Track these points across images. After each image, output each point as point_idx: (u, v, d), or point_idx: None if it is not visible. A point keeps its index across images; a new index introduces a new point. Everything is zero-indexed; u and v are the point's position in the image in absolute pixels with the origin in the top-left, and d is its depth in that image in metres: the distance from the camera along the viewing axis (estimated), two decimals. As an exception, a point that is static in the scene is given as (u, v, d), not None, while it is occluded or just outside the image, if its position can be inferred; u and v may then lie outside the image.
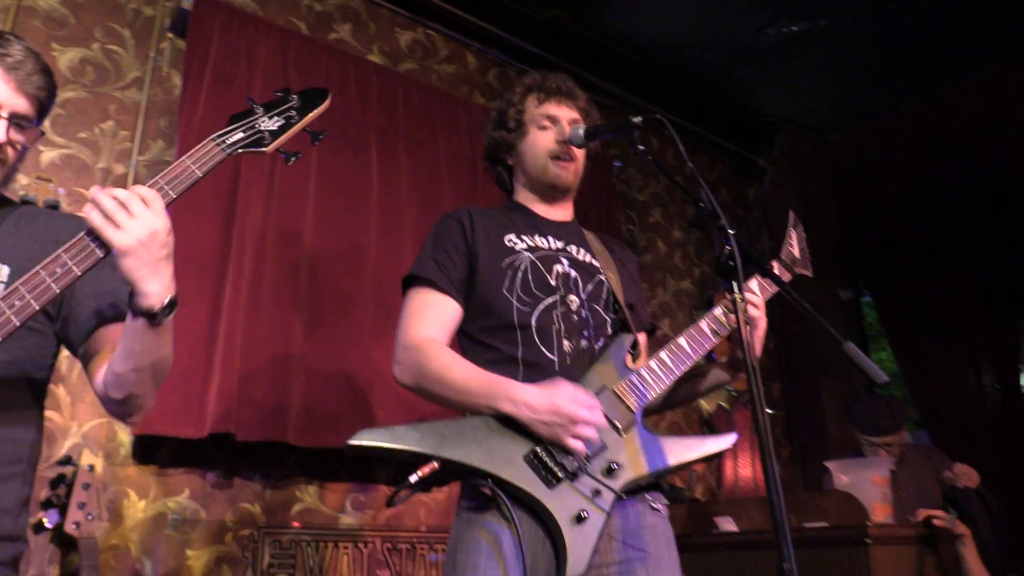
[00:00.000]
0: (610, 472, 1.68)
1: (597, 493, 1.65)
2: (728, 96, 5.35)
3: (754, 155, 5.71)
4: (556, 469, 1.64)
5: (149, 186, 1.32)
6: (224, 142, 1.45)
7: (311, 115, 1.56)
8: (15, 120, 1.48)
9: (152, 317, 1.35)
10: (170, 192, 1.33)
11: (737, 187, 5.71)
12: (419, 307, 1.87)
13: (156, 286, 1.33)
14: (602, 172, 4.46)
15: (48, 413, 2.55)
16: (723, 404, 4.65)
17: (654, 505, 1.82)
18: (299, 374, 2.91)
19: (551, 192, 2.08)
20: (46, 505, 2.41)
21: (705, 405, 4.69)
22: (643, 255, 4.77)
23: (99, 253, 1.28)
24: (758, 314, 1.95)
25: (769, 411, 4.91)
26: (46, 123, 2.75)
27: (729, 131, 5.53)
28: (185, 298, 2.73)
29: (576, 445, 1.64)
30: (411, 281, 1.91)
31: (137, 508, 2.65)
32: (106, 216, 1.26)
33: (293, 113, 1.54)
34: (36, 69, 1.50)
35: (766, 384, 5.17)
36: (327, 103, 1.59)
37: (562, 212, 2.12)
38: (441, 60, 4.16)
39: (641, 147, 1.95)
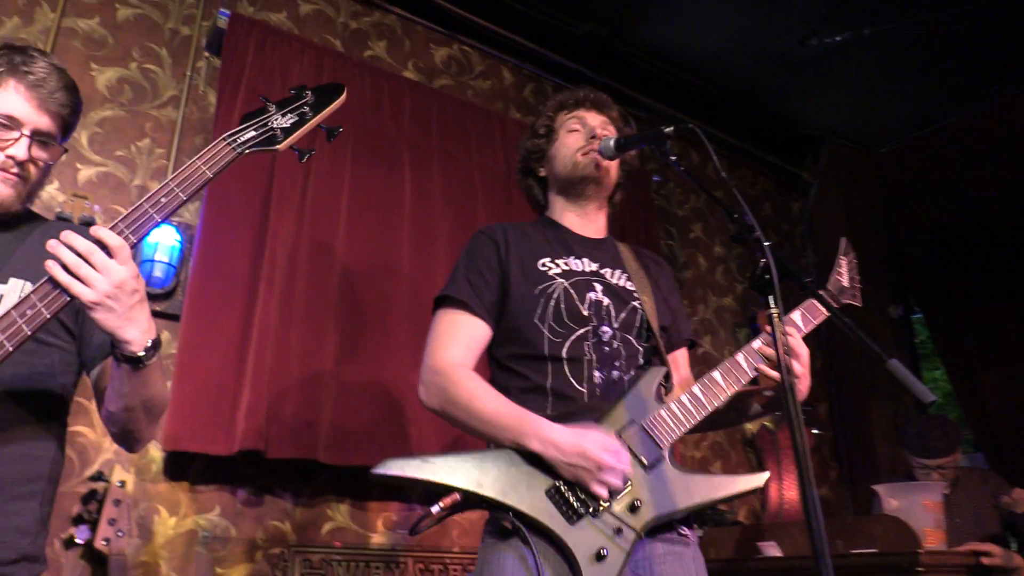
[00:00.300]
0: (633, 510, 1.65)
1: (619, 531, 1.62)
2: (771, 109, 5.24)
3: (799, 169, 5.58)
4: (578, 505, 1.61)
5: (111, 229, 1.28)
6: (235, 141, 1.43)
7: (325, 111, 1.53)
8: (38, 137, 1.48)
9: (136, 363, 1.34)
10: (131, 237, 1.29)
11: (781, 202, 5.58)
12: (448, 328, 1.85)
13: (134, 332, 1.31)
14: (640, 187, 4.39)
15: (81, 429, 2.56)
16: (767, 424, 4.51)
17: (682, 532, 1.77)
18: (330, 391, 2.88)
19: (583, 190, 2.03)
20: (77, 521, 2.41)
21: (749, 425, 4.56)
22: (683, 271, 4.67)
23: (66, 297, 1.25)
24: (797, 367, 1.81)
25: (816, 431, 4.77)
26: (83, 140, 2.79)
27: (772, 145, 5.42)
28: (216, 314, 2.76)
29: (600, 491, 1.61)
30: (443, 300, 1.88)
31: (168, 525, 2.64)
32: (68, 271, 1.23)
33: (307, 110, 1.51)
34: (59, 86, 1.50)
35: (813, 403, 5.01)
36: (342, 98, 1.55)
37: (595, 227, 2.08)
38: (476, 76, 4.15)
39: (673, 157, 1.89)
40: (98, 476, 2.47)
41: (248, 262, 2.89)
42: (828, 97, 5.10)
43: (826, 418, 5.09)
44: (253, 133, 1.45)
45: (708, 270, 4.85)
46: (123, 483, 2.44)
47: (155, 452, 2.68)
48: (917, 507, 3.19)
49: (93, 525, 2.37)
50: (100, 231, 1.26)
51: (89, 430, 2.58)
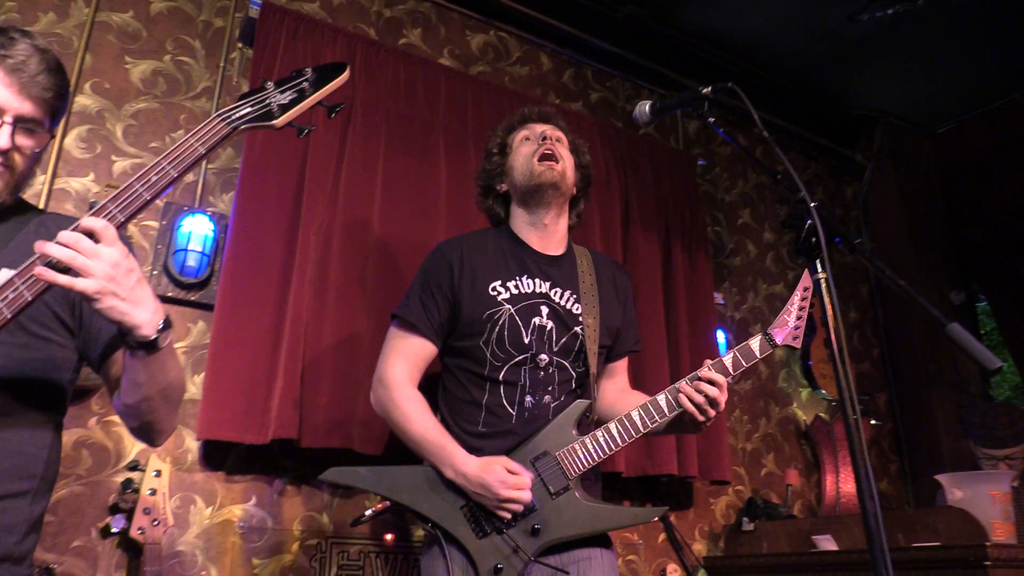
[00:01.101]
0: (533, 533, 1.89)
1: (515, 551, 1.87)
2: (821, 89, 5.06)
3: (852, 151, 5.37)
4: (484, 523, 1.90)
5: (97, 212, 1.25)
6: (230, 117, 1.39)
7: (325, 88, 1.48)
8: (21, 124, 1.42)
9: (150, 347, 1.30)
10: (119, 216, 1.25)
11: (834, 186, 5.39)
12: (398, 345, 2.10)
13: (143, 315, 1.28)
14: (685, 172, 4.27)
15: (116, 419, 2.55)
16: (822, 415, 4.34)
17: (582, 548, 1.98)
18: (364, 380, 2.82)
19: (543, 197, 2.14)
20: (113, 510, 2.40)
21: (802, 415, 4.39)
22: (731, 258, 4.53)
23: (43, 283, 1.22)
24: (700, 399, 1.96)
25: (874, 422, 4.58)
26: (117, 132, 2.79)
27: (823, 127, 5.23)
28: (249, 302, 2.73)
29: (502, 515, 1.88)
30: (396, 318, 2.13)
31: (203, 515, 2.62)
32: (63, 269, 1.20)
33: (306, 86, 1.46)
34: (41, 69, 1.43)
35: (872, 394, 4.81)
36: (344, 76, 1.51)
37: (555, 239, 2.20)
38: (514, 62, 4.07)
39: (711, 119, 1.81)
40: (134, 465, 2.46)
41: (281, 250, 2.86)
42: (881, 75, 4.90)
43: (885, 409, 4.89)
44: (249, 109, 1.42)
45: (758, 257, 4.70)
46: (159, 472, 2.42)
47: (190, 442, 2.67)
48: (983, 498, 3.03)
49: (129, 514, 2.35)
50: (84, 219, 1.23)
51: (125, 420, 2.57)
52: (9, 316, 1.19)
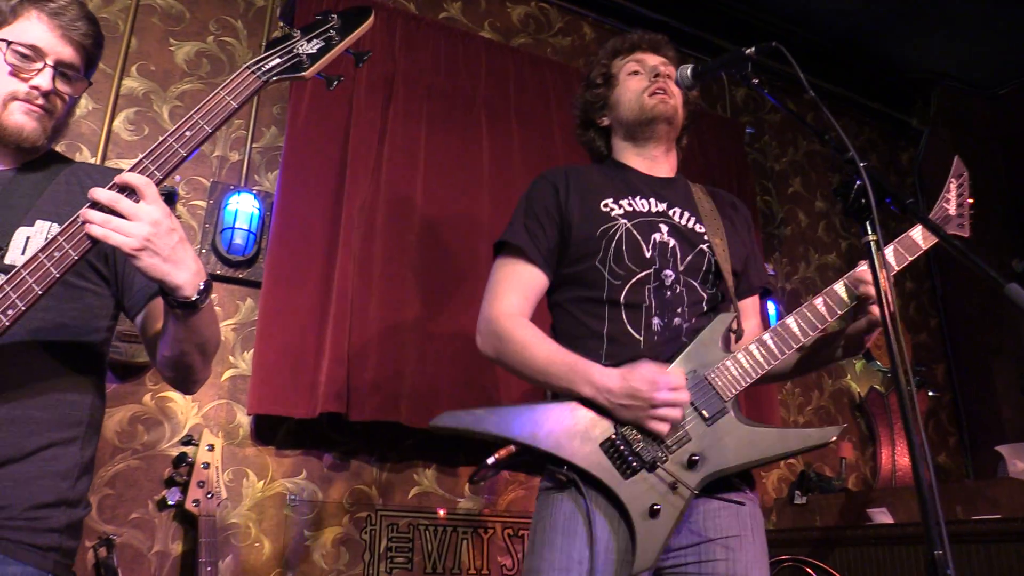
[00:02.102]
0: (691, 465, 1.59)
1: (673, 487, 1.57)
2: (873, 53, 4.89)
3: (907, 116, 5.20)
4: (632, 459, 1.57)
5: (133, 168, 1.24)
6: (260, 69, 1.37)
7: (352, 35, 1.45)
8: (61, 68, 1.45)
9: (191, 307, 1.30)
10: (156, 173, 1.24)
11: (889, 152, 5.23)
12: (506, 276, 1.82)
13: (184, 275, 1.26)
14: (733, 140, 4.18)
15: (170, 394, 2.61)
16: (877, 387, 4.24)
17: (741, 489, 1.70)
18: (411, 353, 2.85)
19: (654, 131, 1.92)
20: (168, 483, 2.47)
21: (856, 387, 4.30)
22: (782, 228, 4.43)
23: (89, 241, 1.22)
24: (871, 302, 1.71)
25: (932, 394, 4.46)
26: (164, 113, 2.83)
27: (876, 91, 5.06)
28: (296, 279, 2.76)
29: (658, 427, 1.56)
30: (500, 247, 1.86)
31: (256, 488, 2.67)
32: (103, 225, 1.19)
33: (333, 34, 1.43)
34: (80, 15, 1.47)
35: (930, 365, 4.69)
36: (370, 21, 1.47)
37: (666, 166, 1.97)
38: (555, 33, 4.02)
39: (756, 80, 1.75)
40: (187, 440, 2.52)
41: (326, 227, 2.88)
42: (937, 36, 4.71)
43: (943, 381, 4.76)
44: (278, 60, 1.38)
45: (809, 226, 4.59)
46: (212, 447, 2.48)
47: (241, 417, 2.71)
48: (1047, 469, 2.93)
49: (184, 487, 2.42)
50: (123, 175, 1.23)
51: (177, 394, 2.63)
52: (57, 275, 1.21)
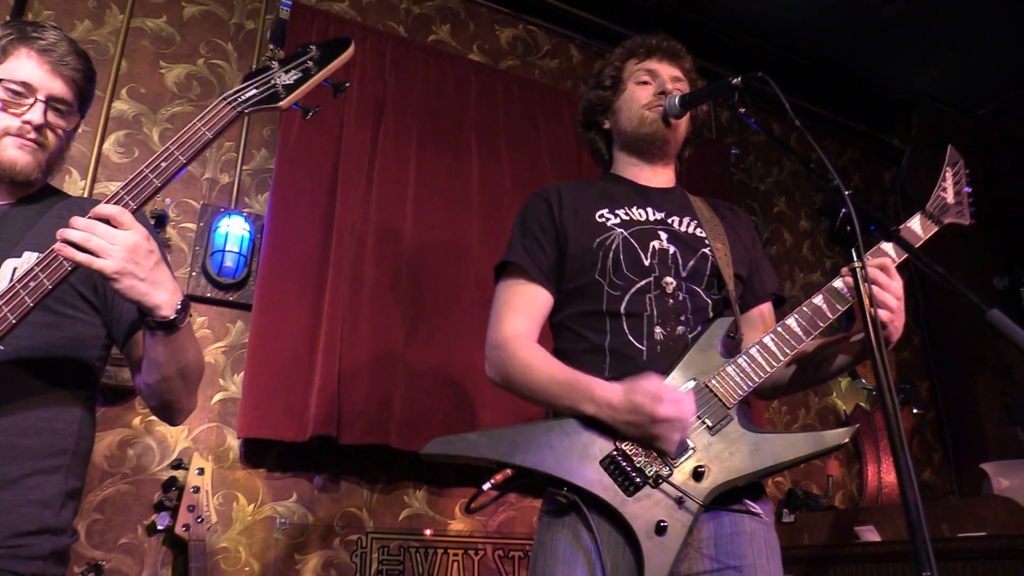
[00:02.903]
0: (696, 476, 1.51)
1: (680, 502, 1.49)
2: (856, 74, 4.97)
3: (889, 136, 5.28)
4: (634, 475, 1.50)
5: (109, 200, 1.29)
6: (236, 100, 1.40)
7: (330, 66, 1.47)
8: (52, 103, 1.49)
9: (170, 327, 1.33)
10: (131, 203, 1.29)
11: (871, 172, 5.30)
12: (508, 299, 1.78)
13: (162, 295, 1.31)
14: (718, 160, 4.23)
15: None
16: (862, 404, 4.28)
17: (754, 510, 1.61)
18: (401, 376, 2.86)
19: (648, 148, 1.90)
20: (158, 508, 2.45)
21: (842, 405, 4.34)
22: (768, 247, 4.47)
23: (67, 266, 1.26)
24: (891, 301, 1.62)
25: (916, 411, 4.50)
26: (154, 136, 2.84)
27: (859, 112, 5.14)
28: (286, 302, 2.76)
29: (663, 446, 1.50)
30: (501, 269, 1.83)
31: (246, 512, 2.66)
32: (82, 249, 1.23)
33: (310, 65, 1.46)
34: (70, 51, 1.51)
35: (913, 382, 4.73)
36: (348, 52, 1.49)
37: (663, 177, 1.94)
38: (543, 55, 4.06)
39: (742, 109, 1.77)
40: (177, 464, 2.50)
41: (316, 249, 2.89)
42: (917, 57, 4.80)
43: (927, 397, 4.81)
44: (255, 91, 1.42)
45: (794, 245, 4.64)
46: (201, 470, 2.47)
47: (232, 440, 2.71)
48: (1032, 487, 2.96)
49: (174, 512, 2.41)
50: (98, 207, 1.27)
51: (167, 419, 2.62)
52: (31, 305, 1.24)
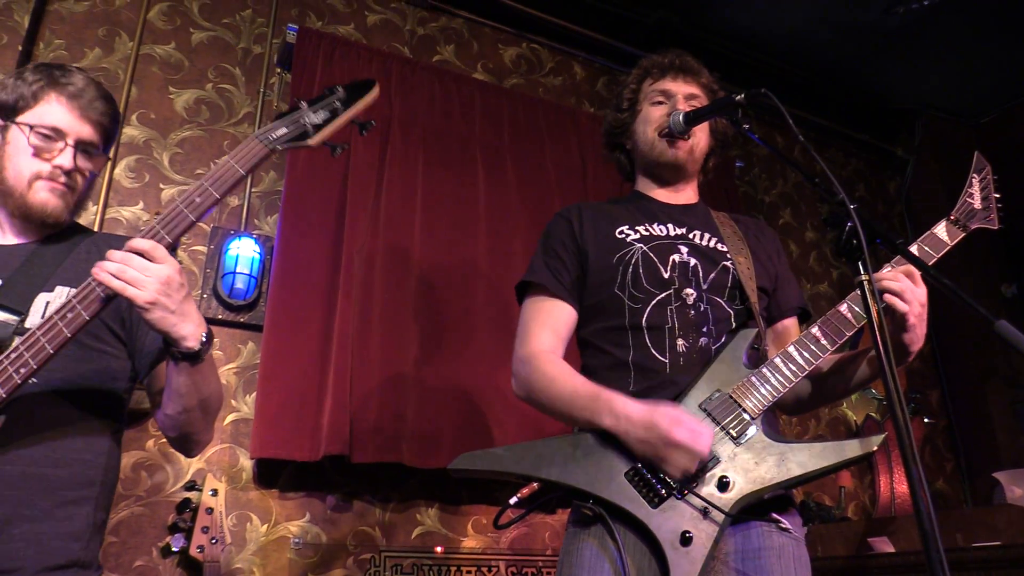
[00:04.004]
0: (722, 487, 1.51)
1: (705, 512, 1.48)
2: (858, 85, 4.99)
3: (892, 146, 5.29)
4: (659, 487, 1.50)
5: (145, 234, 1.33)
6: (267, 138, 1.43)
7: (357, 105, 1.51)
8: (81, 147, 1.54)
9: (194, 358, 1.37)
10: (166, 237, 1.34)
11: (876, 182, 5.31)
12: (533, 316, 1.80)
13: (189, 327, 1.35)
14: (722, 174, 4.24)
15: (173, 440, 2.62)
16: (872, 414, 4.27)
17: (782, 525, 1.60)
18: (412, 394, 2.87)
19: (663, 173, 1.92)
20: (172, 529, 2.46)
21: (852, 415, 4.33)
22: (773, 259, 4.48)
23: (103, 298, 1.30)
24: (896, 285, 1.63)
25: (927, 420, 4.49)
26: (164, 160, 2.88)
27: (862, 122, 5.15)
28: (297, 322, 2.79)
29: (671, 470, 1.49)
30: (524, 288, 1.85)
31: (260, 532, 2.67)
32: (118, 278, 1.28)
33: (338, 105, 1.49)
34: (98, 95, 1.56)
35: (923, 391, 4.72)
36: (374, 93, 1.53)
37: (685, 195, 1.96)
38: (547, 73, 4.10)
39: (746, 126, 1.80)
40: (191, 485, 2.52)
41: (326, 270, 2.92)
42: (920, 67, 4.81)
43: (938, 406, 4.79)
44: (285, 130, 1.45)
45: (800, 256, 4.65)
46: (215, 492, 2.48)
47: (245, 461, 2.73)
48: (1045, 495, 2.95)
49: (188, 533, 2.42)
50: (132, 240, 1.32)
51: (181, 441, 2.64)
52: (69, 335, 1.28)
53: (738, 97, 1.78)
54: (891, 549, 3.15)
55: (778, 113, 1.61)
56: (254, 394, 2.75)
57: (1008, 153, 5.19)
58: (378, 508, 2.89)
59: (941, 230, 1.83)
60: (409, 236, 3.10)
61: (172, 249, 1.35)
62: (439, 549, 2.92)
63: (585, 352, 1.82)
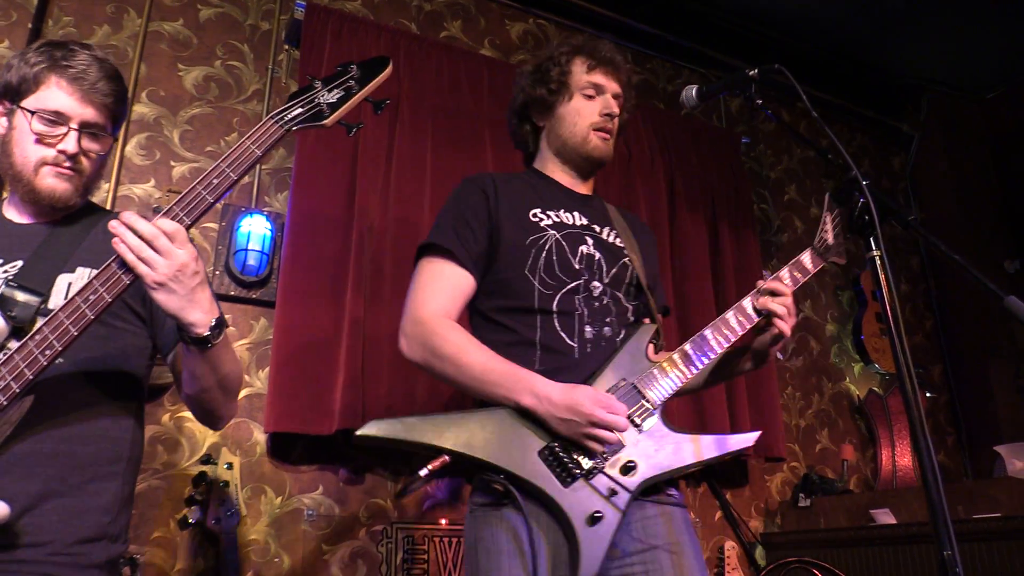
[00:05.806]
0: (627, 471, 1.61)
1: (614, 492, 1.59)
2: (864, 60, 4.98)
3: (898, 122, 5.29)
4: (572, 467, 1.57)
5: (166, 214, 1.32)
6: (283, 119, 1.44)
7: (371, 84, 1.52)
8: (86, 129, 1.52)
9: (203, 343, 1.38)
10: (185, 219, 1.33)
11: (881, 158, 5.31)
12: (433, 278, 1.79)
13: (197, 314, 1.35)
14: (729, 150, 4.26)
15: (188, 414, 2.66)
16: (875, 389, 4.32)
17: (670, 493, 1.76)
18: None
19: (586, 164, 1.99)
20: (189, 502, 2.50)
21: (855, 390, 4.37)
22: (779, 235, 4.51)
23: (126, 280, 1.31)
24: (782, 310, 1.82)
25: (929, 395, 4.53)
26: (175, 138, 2.89)
27: (868, 98, 5.15)
28: (308, 298, 2.81)
29: (592, 445, 1.57)
30: (427, 249, 1.83)
31: (274, 504, 2.72)
32: (134, 253, 1.28)
33: (352, 83, 1.50)
34: (101, 76, 1.53)
35: (926, 366, 4.77)
36: (387, 71, 1.54)
37: (587, 186, 2.04)
38: (553, 49, 4.09)
39: (759, 100, 1.82)
40: (206, 459, 2.56)
41: (337, 246, 2.94)
42: (926, 43, 4.80)
43: (940, 381, 4.84)
44: (300, 110, 1.46)
45: (805, 232, 4.66)
46: (230, 465, 2.53)
47: (258, 435, 2.77)
48: (1046, 468, 3.00)
49: (204, 506, 2.46)
50: (157, 219, 1.31)
51: (196, 415, 2.68)
52: (92, 317, 1.29)
53: (751, 72, 1.81)
54: (892, 520, 3.21)
55: (784, 88, 1.64)
56: (267, 369, 2.79)
57: (1014, 129, 5.20)
58: (390, 481, 2.93)
59: (807, 258, 1.98)
60: (419, 213, 3.12)
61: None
62: (444, 521, 2.97)
63: (482, 326, 1.82)
